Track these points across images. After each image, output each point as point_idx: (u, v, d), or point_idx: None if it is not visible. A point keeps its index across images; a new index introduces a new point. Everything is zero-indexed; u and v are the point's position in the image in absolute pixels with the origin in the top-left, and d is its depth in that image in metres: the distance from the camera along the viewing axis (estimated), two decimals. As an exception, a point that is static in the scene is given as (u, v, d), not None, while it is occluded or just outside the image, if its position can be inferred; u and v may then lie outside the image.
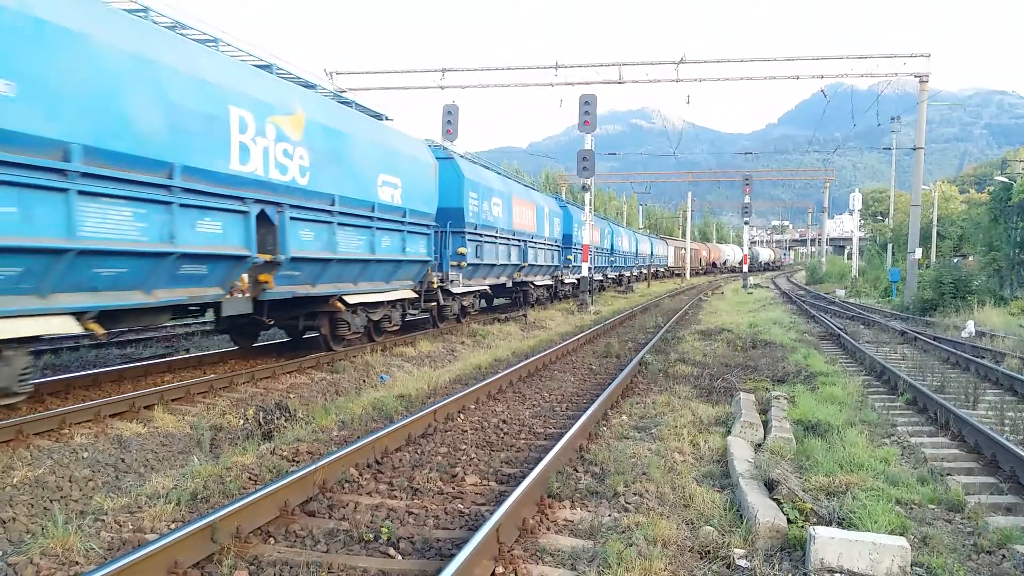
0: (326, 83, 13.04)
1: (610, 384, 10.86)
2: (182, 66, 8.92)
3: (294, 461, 7.08)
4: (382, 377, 12.40)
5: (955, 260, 45.12)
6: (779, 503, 5.65)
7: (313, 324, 13.62)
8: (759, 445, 7.67)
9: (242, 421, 8.56)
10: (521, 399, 10.59)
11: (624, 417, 9.29)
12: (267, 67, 11.53)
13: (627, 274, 48.85)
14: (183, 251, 8.84)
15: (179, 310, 10.55)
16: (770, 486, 6.03)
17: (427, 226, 16.16)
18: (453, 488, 6.41)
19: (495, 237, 20.98)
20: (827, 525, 5.26)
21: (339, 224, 12.40)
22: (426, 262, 16.24)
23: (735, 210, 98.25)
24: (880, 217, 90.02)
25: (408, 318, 17.52)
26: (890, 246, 53.62)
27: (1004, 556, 5.16)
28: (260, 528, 5.33)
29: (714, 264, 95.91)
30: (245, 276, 10.42)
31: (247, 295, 10.68)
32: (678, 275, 73.08)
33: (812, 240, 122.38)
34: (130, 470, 7.18)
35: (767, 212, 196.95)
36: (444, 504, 5.98)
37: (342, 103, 13.86)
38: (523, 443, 8.06)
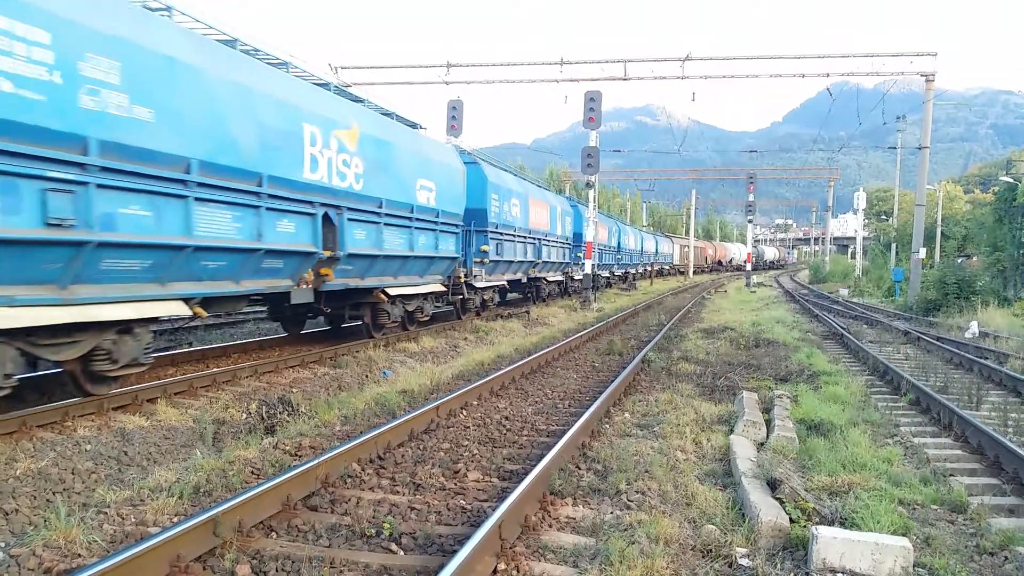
0: (371, 98, 13.97)
1: (613, 381, 10.86)
2: (268, 90, 10.47)
3: (297, 455, 7.09)
4: (385, 372, 12.41)
5: (959, 260, 45.03)
6: (781, 502, 5.64)
7: (358, 313, 15.05)
8: (762, 444, 7.66)
9: (245, 415, 8.57)
10: (524, 395, 10.59)
11: (627, 415, 9.29)
12: (325, 85, 13.01)
13: (632, 271, 49.63)
14: (267, 248, 10.35)
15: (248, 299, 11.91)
16: (772, 485, 6.02)
17: (456, 226, 17.52)
18: (455, 484, 6.41)
19: (513, 236, 22.22)
20: (829, 525, 5.26)
21: (385, 224, 13.85)
22: (455, 259, 17.64)
23: (739, 208, 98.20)
24: (884, 216, 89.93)
25: (434, 310, 18.72)
26: (894, 246, 53.54)
27: (1007, 558, 5.16)
28: (262, 522, 5.33)
29: (720, 262, 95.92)
30: (311, 270, 11.89)
31: (310, 286, 12.15)
32: (682, 273, 73.16)
33: (816, 239, 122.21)
34: (133, 463, 7.19)
35: (771, 210, 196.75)
36: (446, 500, 5.98)
37: (384, 114, 15.18)
38: (525, 440, 8.06)
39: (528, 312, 22.83)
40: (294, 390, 10.58)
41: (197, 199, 8.97)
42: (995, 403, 10.66)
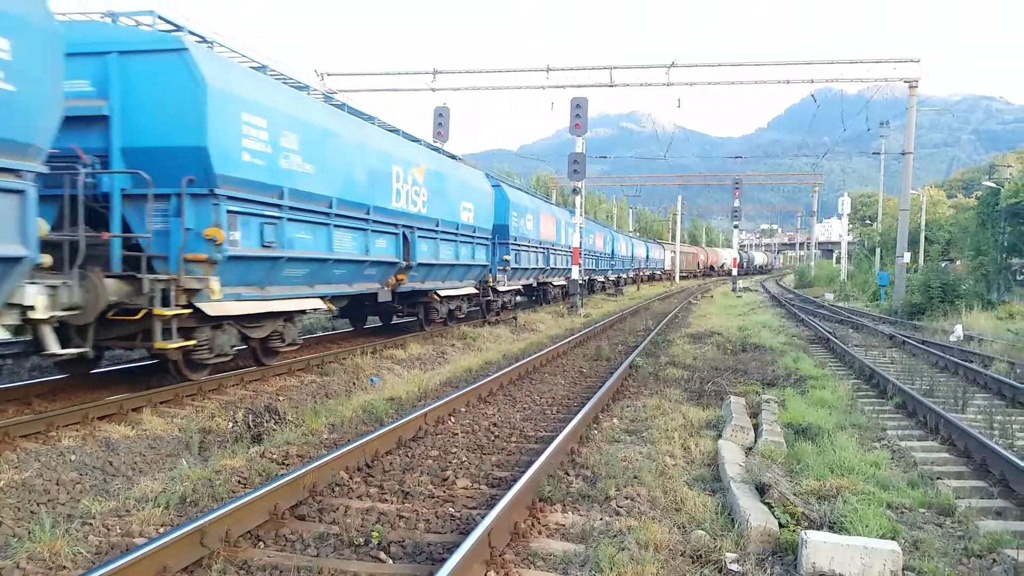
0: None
1: (601, 387, 10.86)
2: (373, 143, 14.19)
3: (284, 464, 7.04)
4: (372, 380, 12.37)
5: (943, 264, 45.42)
6: (770, 507, 5.65)
7: (413, 311, 18.22)
8: (750, 449, 7.67)
9: (231, 424, 8.51)
10: (512, 402, 10.57)
11: (615, 420, 9.29)
12: (395, 131, 16.01)
13: (624, 276, 51.70)
14: (370, 259, 13.93)
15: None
16: (761, 490, 6.02)
17: (486, 239, 20.98)
18: (444, 492, 6.38)
19: (528, 246, 25.95)
20: (818, 529, 5.26)
21: (440, 239, 17.38)
22: (486, 266, 21.08)
23: (724, 214, 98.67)
24: (869, 221, 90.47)
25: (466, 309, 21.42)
26: (879, 250, 53.89)
27: (994, 560, 5.18)
28: (250, 532, 5.29)
29: (712, 267, 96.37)
30: (393, 276, 15.33)
31: (390, 288, 15.52)
32: (668, 278, 73.49)
33: (801, 244, 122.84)
34: (118, 473, 7.12)
35: (756, 216, 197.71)
36: (435, 508, 5.95)
37: (434, 149, 18.69)
38: (514, 446, 8.05)
39: (515, 318, 22.83)
40: (281, 398, 10.53)
41: (335, 225, 12.52)
42: (981, 406, 10.74)
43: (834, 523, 5.48)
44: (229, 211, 9.75)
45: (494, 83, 29.67)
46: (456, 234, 18.30)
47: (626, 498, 6.09)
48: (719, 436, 8.12)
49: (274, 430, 8.24)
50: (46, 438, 7.83)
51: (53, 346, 7.92)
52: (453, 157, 20.03)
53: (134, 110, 9.24)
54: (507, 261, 23.22)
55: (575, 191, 30.41)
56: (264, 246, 10.59)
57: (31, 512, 5.87)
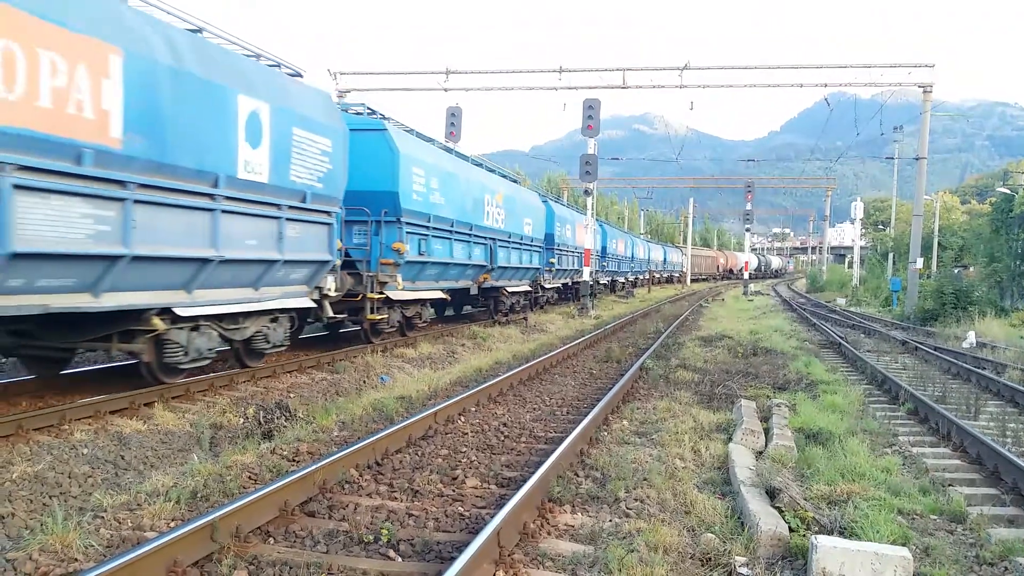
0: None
1: (611, 389, 10.85)
2: (476, 178, 19.79)
3: (294, 461, 7.06)
4: (383, 378, 12.39)
5: (956, 270, 45.13)
6: (780, 511, 5.63)
7: (487, 303, 22.92)
8: (760, 453, 7.65)
9: (242, 420, 8.54)
10: (522, 402, 10.57)
11: (625, 422, 9.28)
12: (479, 163, 21.20)
13: (641, 277, 55.90)
14: (472, 263, 19.08)
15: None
16: (771, 494, 6.01)
17: (540, 246, 26.04)
18: (453, 491, 6.39)
19: (567, 251, 30.81)
20: (829, 534, 5.24)
21: (511, 247, 22.42)
22: (539, 268, 26.09)
23: (736, 217, 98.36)
24: (881, 226, 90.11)
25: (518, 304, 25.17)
26: (891, 255, 53.69)
27: (1006, 568, 5.15)
28: (260, 528, 5.31)
29: (731, 271, 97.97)
30: (481, 276, 20.22)
31: (477, 285, 20.45)
32: (679, 280, 73.64)
33: (813, 248, 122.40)
34: (130, 467, 7.15)
35: (768, 219, 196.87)
36: (444, 507, 5.96)
37: (503, 176, 23.71)
38: (524, 447, 8.05)
39: (526, 319, 22.83)
40: (292, 395, 10.55)
41: (454, 239, 17.72)
42: (993, 413, 10.68)
43: (845, 528, 5.46)
44: (407, 232, 14.95)
45: (506, 83, 29.69)
46: (520, 243, 23.45)
47: (636, 500, 6.08)
48: (729, 439, 8.10)
49: (285, 427, 8.27)
50: (59, 431, 7.88)
51: (329, 312, 12.94)
52: (515, 181, 26.32)
53: (353, 168, 13.01)
54: (552, 264, 28.21)
55: (587, 192, 30.42)
56: (420, 254, 15.69)
57: (43, 505, 5.90)
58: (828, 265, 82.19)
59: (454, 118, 27.81)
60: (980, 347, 19.34)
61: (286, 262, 10.96)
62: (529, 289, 25.11)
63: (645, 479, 6.61)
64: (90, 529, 5.15)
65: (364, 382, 12.08)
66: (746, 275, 56.59)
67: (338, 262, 12.76)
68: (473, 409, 9.80)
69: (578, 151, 29.44)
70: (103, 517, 5.40)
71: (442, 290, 17.78)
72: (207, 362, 10.25)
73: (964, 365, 14.90)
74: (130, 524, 5.32)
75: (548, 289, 28.70)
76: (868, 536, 5.20)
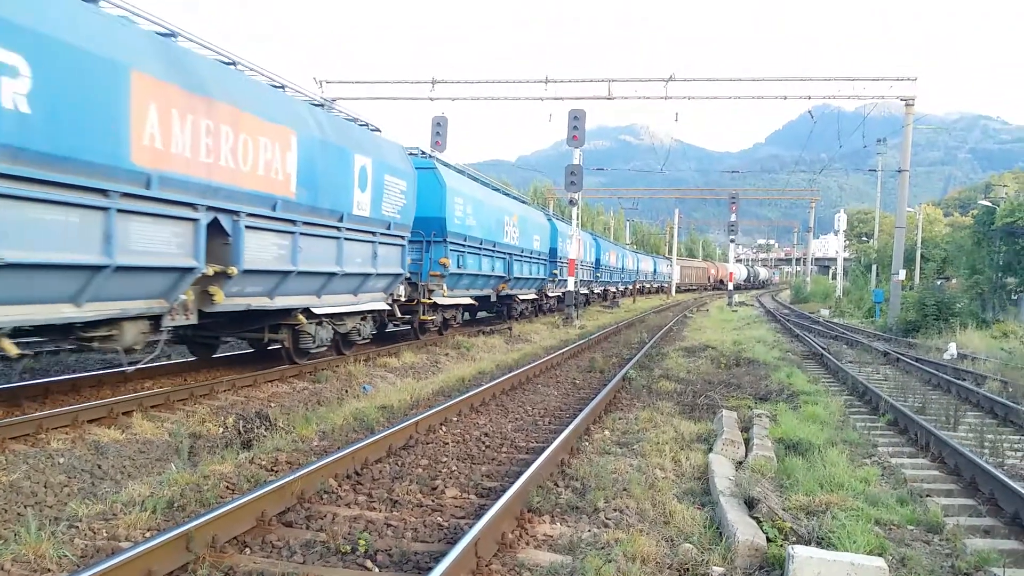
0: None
1: (593, 399, 10.86)
2: (496, 202, 23.55)
3: (273, 471, 7.02)
4: (365, 388, 12.34)
5: (938, 282, 45.46)
6: (759, 521, 5.64)
7: (501, 309, 26.57)
8: (740, 463, 7.67)
9: (221, 429, 8.49)
10: (504, 412, 10.56)
11: (607, 432, 9.28)
12: (498, 189, 25.70)
13: (631, 287, 58.81)
14: (494, 275, 22.82)
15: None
16: (750, 504, 6.02)
17: (546, 259, 29.87)
18: (433, 501, 6.37)
19: (566, 263, 33.63)
20: (806, 544, 5.25)
21: (523, 261, 26.21)
22: (544, 279, 29.97)
23: (721, 228, 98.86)
24: (865, 238, 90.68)
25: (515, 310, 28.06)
26: (874, 267, 53.98)
27: (981, 578, 5.17)
28: (236, 538, 5.27)
29: (721, 281, 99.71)
30: (500, 286, 23.67)
31: (496, 293, 23.81)
32: (664, 291, 74.04)
33: (797, 260, 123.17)
34: (107, 477, 7.09)
35: (753, 230, 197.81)
36: (423, 517, 5.94)
37: (515, 198, 28.69)
38: (504, 457, 8.03)
39: (510, 328, 22.85)
40: (272, 404, 10.50)
41: (482, 255, 21.61)
42: (972, 424, 10.75)
43: (822, 539, 5.47)
44: (450, 249, 18.59)
45: (493, 93, 29.74)
46: (531, 257, 27.04)
47: (615, 510, 6.08)
48: (710, 450, 8.11)
49: (264, 436, 8.22)
50: (35, 440, 7.81)
51: (398, 313, 16.77)
52: (525, 203, 31.13)
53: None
54: (555, 274, 31.54)
55: (572, 203, 30.48)
56: (458, 267, 19.31)
57: (18, 514, 5.83)
58: (812, 276, 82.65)
59: (440, 127, 27.82)
60: (961, 358, 19.48)
61: (376, 275, 14.58)
62: (536, 297, 28.83)
63: (625, 489, 6.61)
64: (64, 539, 5.10)
65: (346, 391, 12.03)
66: (730, 286, 56.81)
67: (407, 274, 16.24)
68: (455, 419, 9.78)
69: (564, 161, 29.52)
70: (78, 527, 5.35)
71: (472, 297, 21.53)
72: (324, 348, 13.77)
73: (945, 376, 15.01)
74: (105, 534, 5.28)
75: (551, 297, 32.52)
76: (845, 546, 5.22)
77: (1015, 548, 5.89)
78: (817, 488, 6.67)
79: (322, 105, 13.56)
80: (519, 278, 25.60)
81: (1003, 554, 5.52)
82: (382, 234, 14.56)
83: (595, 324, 28.91)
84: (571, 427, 8.58)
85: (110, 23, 8.27)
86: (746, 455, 7.91)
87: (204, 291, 9.97)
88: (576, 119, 26.81)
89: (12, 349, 7.59)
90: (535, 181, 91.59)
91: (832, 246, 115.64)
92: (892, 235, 34.38)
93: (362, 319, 14.86)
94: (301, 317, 12.42)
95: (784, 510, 5.95)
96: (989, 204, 40.93)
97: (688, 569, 4.98)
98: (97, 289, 8.04)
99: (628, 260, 56.59)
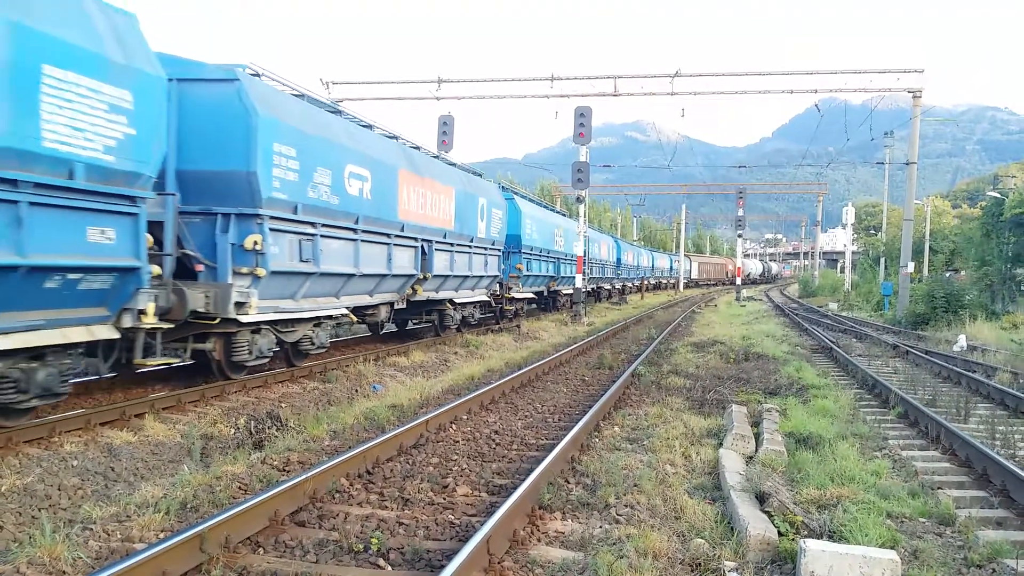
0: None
1: (602, 395, 10.86)
2: (551, 219, 30.74)
3: (284, 471, 7.05)
4: (375, 387, 12.38)
5: (947, 274, 45.30)
6: (770, 516, 5.65)
7: (546, 302, 31.74)
8: (751, 457, 7.67)
9: (233, 430, 8.54)
10: (513, 410, 10.58)
11: (616, 429, 9.29)
12: (551, 208, 33.94)
13: (647, 282, 63.09)
14: (547, 275, 28.69)
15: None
16: (761, 499, 6.03)
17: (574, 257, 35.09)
18: (444, 499, 6.39)
19: (596, 263, 38.87)
20: (818, 538, 5.26)
21: (565, 263, 30.84)
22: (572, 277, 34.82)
23: (728, 223, 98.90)
24: (873, 231, 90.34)
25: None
26: (883, 260, 53.77)
27: (994, 570, 5.17)
28: (249, 538, 5.30)
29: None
30: (551, 283, 29.07)
31: (547, 289, 29.15)
32: (673, 287, 74.07)
33: (805, 253, 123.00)
34: (120, 479, 7.14)
35: (760, 225, 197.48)
36: (435, 515, 5.96)
37: (562, 214, 36.25)
38: (515, 454, 8.05)
39: (519, 326, 22.87)
40: (283, 405, 10.54)
41: (541, 260, 27.34)
42: (983, 416, 10.72)
43: (833, 532, 5.48)
44: (523, 257, 24.81)
45: (499, 92, 29.73)
46: (571, 260, 31.33)
47: (626, 506, 6.09)
48: (720, 445, 8.12)
49: (276, 436, 8.26)
50: (48, 443, 7.86)
51: (492, 302, 23.10)
52: (564, 215, 37.28)
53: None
54: (587, 272, 35.17)
55: (579, 200, 30.48)
56: (527, 271, 25.42)
57: (32, 517, 5.89)
58: (820, 270, 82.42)
59: (446, 127, 27.82)
60: (971, 350, 19.41)
61: (487, 277, 20.89)
62: (571, 292, 31.99)
63: (635, 485, 6.62)
64: (79, 541, 5.14)
65: (356, 391, 12.07)
66: (739, 281, 56.74)
67: (501, 277, 22.44)
68: (465, 417, 9.80)
69: (571, 158, 29.51)
70: (92, 529, 5.39)
71: (534, 292, 27.73)
72: (455, 326, 19.72)
73: (954, 368, 14.96)
74: (119, 536, 5.31)
75: (566, 294, 37.38)
76: (857, 539, 5.22)
77: (1028, 539, 5.87)
78: (828, 482, 6.67)
79: (479, 173, 22.62)
80: (563, 276, 30.94)
81: (1016, 545, 5.50)
82: (489, 249, 20.96)
83: (603, 321, 28.91)
84: (581, 424, 8.59)
85: (392, 144, 15.48)
86: (756, 450, 7.91)
87: (412, 288, 16.09)
88: (582, 116, 26.79)
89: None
90: (541, 179, 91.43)
91: (840, 240, 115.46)
92: (900, 228, 34.26)
93: (475, 307, 21.25)
94: (448, 305, 18.69)
95: (795, 504, 5.95)
96: (998, 195, 40.75)
97: (700, 564, 4.98)
98: (380, 286, 14.65)
99: (643, 258, 60.51)
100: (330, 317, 13.08)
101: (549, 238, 28.38)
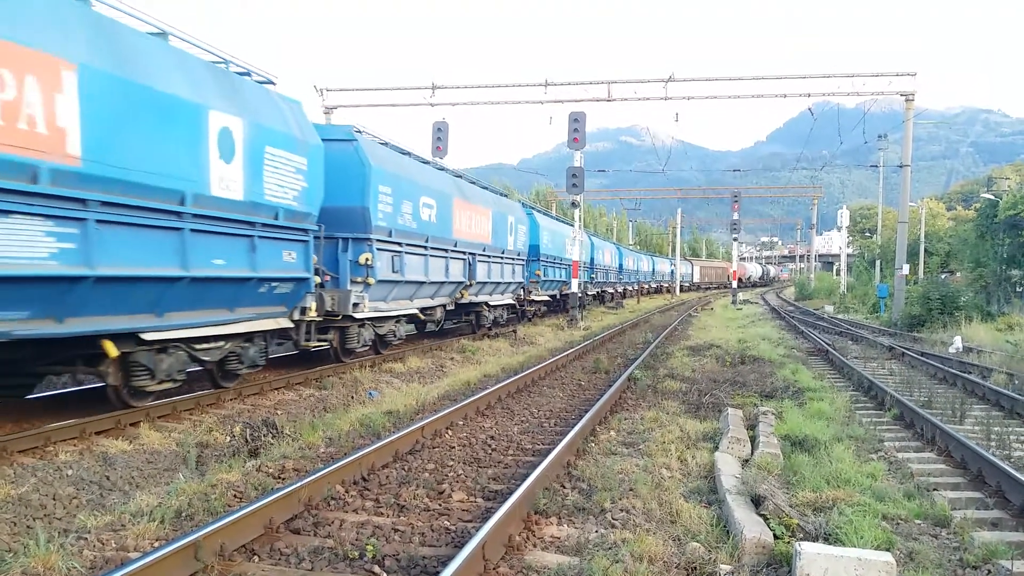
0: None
1: (598, 400, 10.86)
2: (565, 231, 32.28)
3: (280, 478, 7.04)
4: (371, 393, 12.37)
5: (942, 276, 45.43)
6: (766, 519, 5.65)
7: (558, 305, 33.55)
8: (746, 461, 7.67)
9: (229, 438, 8.51)
10: (510, 415, 10.57)
11: (612, 433, 9.29)
12: (567, 222, 33.82)
13: (648, 286, 65.95)
14: (559, 280, 31.88)
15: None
16: (757, 502, 6.03)
17: (589, 267, 38.32)
18: (440, 505, 6.39)
19: (600, 269, 42.62)
20: (813, 541, 5.26)
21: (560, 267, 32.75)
22: (587, 281, 37.23)
23: (724, 226, 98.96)
24: (868, 233, 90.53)
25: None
26: (878, 262, 53.91)
27: (989, 571, 5.18)
28: (244, 546, 5.29)
29: (741, 279, 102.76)
30: (563, 287, 31.97)
31: (560, 292, 32.19)
32: (669, 291, 74.21)
33: (801, 256, 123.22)
34: (115, 488, 7.12)
35: (756, 228, 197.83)
36: (430, 521, 5.95)
37: (569, 224, 33.16)
38: (511, 459, 8.05)
39: (515, 331, 22.87)
40: (279, 412, 10.53)
41: (555, 267, 31.15)
42: (978, 417, 10.73)
43: (829, 535, 5.48)
44: (541, 264, 28.71)
45: (493, 98, 29.78)
46: (587, 267, 37.00)
47: (621, 510, 6.09)
48: (716, 448, 8.12)
49: (271, 444, 8.24)
50: (43, 453, 7.85)
51: (516, 305, 26.55)
52: (571, 225, 36.99)
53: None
54: (594, 277, 40.51)
55: (574, 205, 30.49)
56: (545, 276, 29.34)
57: (27, 527, 5.87)
58: (816, 273, 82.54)
59: (440, 133, 27.84)
60: (966, 352, 19.45)
61: (514, 283, 24.25)
62: (582, 294, 34.32)
63: (631, 489, 6.62)
64: (73, 551, 5.12)
65: (352, 398, 12.06)
66: (734, 284, 56.82)
67: (525, 283, 26.31)
68: (461, 423, 9.79)
69: (565, 163, 29.54)
70: (87, 538, 5.38)
71: (549, 295, 31.06)
72: (487, 325, 22.53)
73: (950, 370, 14.99)
74: (114, 545, 5.30)
75: (589, 295, 39.89)
76: (852, 542, 5.23)
77: (1023, 540, 5.88)
78: (824, 484, 6.68)
79: (504, 195, 27.02)
80: (607, 281, 39.72)
81: (1011, 546, 5.52)
82: (516, 259, 24.45)
83: (600, 325, 28.91)
84: (577, 428, 8.59)
85: (446, 176, 19.42)
86: (752, 453, 7.92)
87: (460, 293, 19.34)
88: (576, 121, 26.82)
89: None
90: (536, 184, 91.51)
91: (835, 242, 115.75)
92: (895, 230, 34.33)
93: (503, 308, 24.22)
94: (484, 307, 21.70)
95: (791, 507, 5.96)
96: (992, 197, 40.89)
97: (696, 568, 4.98)
98: (439, 292, 17.96)
99: (643, 263, 63.67)
100: (407, 315, 16.58)
101: (561, 247, 31.38)
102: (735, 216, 51.75)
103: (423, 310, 17.31)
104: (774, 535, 5.36)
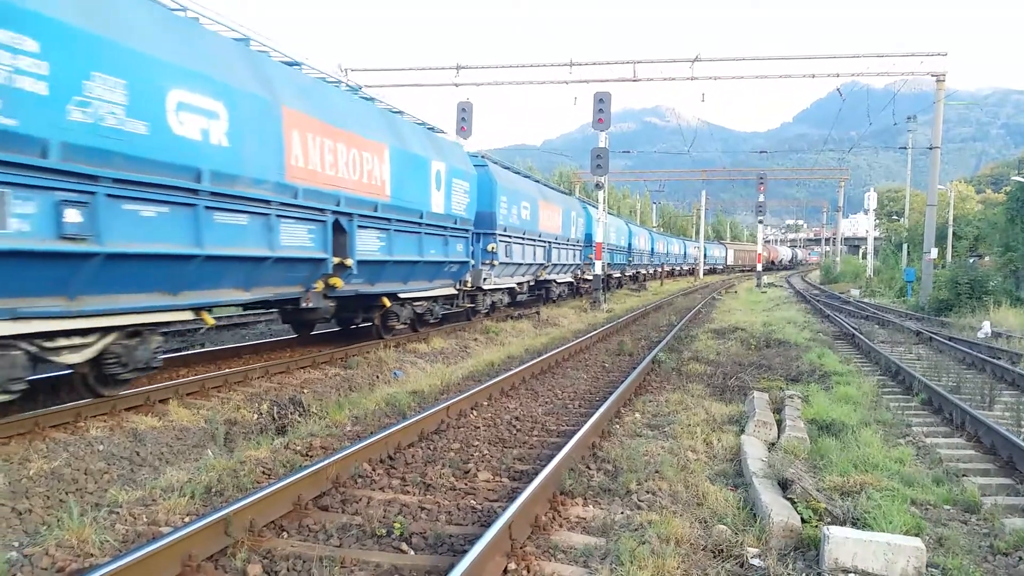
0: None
1: (623, 382, 10.85)
2: (615, 222, 40.10)
3: (307, 456, 7.10)
4: (395, 373, 12.42)
5: (971, 260, 44.74)
6: (793, 502, 5.62)
7: (604, 281, 33.78)
8: (773, 444, 7.63)
9: (256, 416, 8.59)
10: (534, 396, 10.59)
11: (637, 415, 9.27)
12: (616, 215, 45.44)
13: (679, 268, 68.69)
14: (617, 262, 40.82)
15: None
16: (784, 485, 6.00)
17: (626, 251, 42.17)
18: (465, 484, 6.42)
19: (637, 252, 47.13)
20: (841, 525, 5.23)
21: (616, 252, 38.84)
22: (624, 264, 42.53)
23: (749, 209, 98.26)
24: (895, 217, 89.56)
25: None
26: (905, 246, 53.23)
27: (1021, 558, 5.12)
28: (273, 522, 5.35)
29: (772, 262, 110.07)
30: (582, 265, 32.47)
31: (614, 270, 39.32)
32: (712, 272, 74.38)
33: (827, 239, 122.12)
34: (145, 463, 7.22)
35: (781, 211, 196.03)
36: (456, 500, 5.98)
37: (619, 216, 45.83)
38: (536, 440, 8.06)
39: (538, 312, 22.86)
40: (305, 391, 10.60)
41: (615, 252, 39.82)
42: (1008, 403, 10.60)
43: (857, 519, 5.44)
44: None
45: (517, 78, 29.78)
46: (620, 250, 41.12)
47: (647, 492, 6.08)
48: (741, 431, 8.08)
49: (298, 422, 8.32)
50: (75, 428, 7.96)
51: (575, 283, 32.24)
52: (619, 217, 46.91)
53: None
54: (630, 260, 44.62)
55: (598, 186, 30.35)
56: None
57: (60, 501, 5.96)
58: (842, 256, 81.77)
59: (465, 113, 27.76)
60: (995, 337, 19.20)
61: (573, 264, 29.03)
62: (620, 275, 40.28)
63: (657, 471, 6.61)
64: (106, 524, 5.20)
65: (377, 377, 12.12)
66: (759, 267, 56.42)
67: (582, 263, 30.63)
68: (485, 403, 9.82)
69: (590, 144, 29.39)
70: (119, 513, 5.46)
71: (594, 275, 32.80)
72: (555, 297, 27.98)
73: (979, 355, 14.80)
74: (145, 519, 5.38)
75: (628, 275, 45.44)
76: (881, 527, 5.19)
77: (1055, 527, 5.81)
78: (851, 468, 6.63)
79: (569, 193, 32.84)
80: (617, 264, 40.28)
81: (1042, 533, 5.45)
82: (577, 245, 29.67)
83: (623, 307, 28.84)
84: (601, 410, 8.58)
85: (531, 182, 25.48)
86: (778, 436, 7.88)
87: (540, 272, 24.34)
88: (601, 102, 26.63)
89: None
90: (560, 165, 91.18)
91: (862, 225, 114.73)
92: (923, 213, 33.88)
93: (566, 285, 29.61)
94: (553, 283, 26.87)
95: (818, 491, 5.92)
96: (1022, 180, 40.19)
97: (723, 550, 4.97)
98: (528, 271, 23.29)
99: (674, 246, 67.44)
100: (508, 288, 22.17)
101: (612, 237, 36.84)
102: (761, 198, 51.33)
103: (519, 284, 23.22)
104: (801, 519, 5.33)
